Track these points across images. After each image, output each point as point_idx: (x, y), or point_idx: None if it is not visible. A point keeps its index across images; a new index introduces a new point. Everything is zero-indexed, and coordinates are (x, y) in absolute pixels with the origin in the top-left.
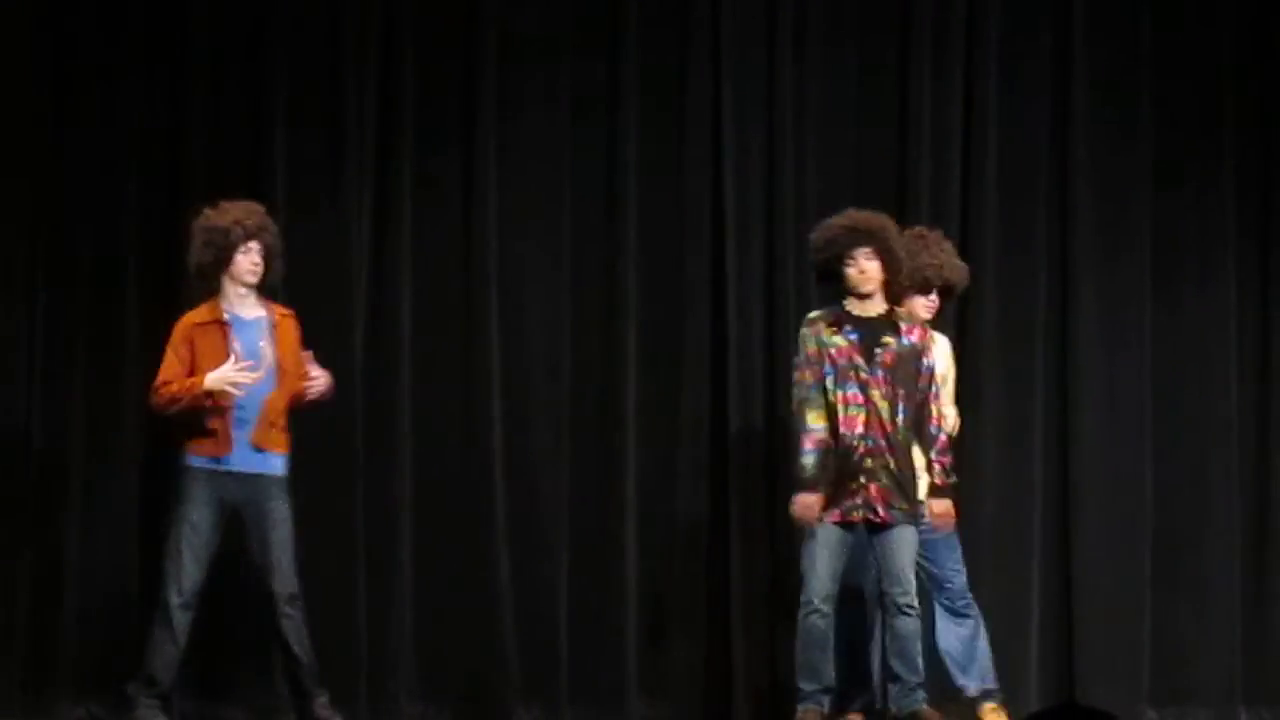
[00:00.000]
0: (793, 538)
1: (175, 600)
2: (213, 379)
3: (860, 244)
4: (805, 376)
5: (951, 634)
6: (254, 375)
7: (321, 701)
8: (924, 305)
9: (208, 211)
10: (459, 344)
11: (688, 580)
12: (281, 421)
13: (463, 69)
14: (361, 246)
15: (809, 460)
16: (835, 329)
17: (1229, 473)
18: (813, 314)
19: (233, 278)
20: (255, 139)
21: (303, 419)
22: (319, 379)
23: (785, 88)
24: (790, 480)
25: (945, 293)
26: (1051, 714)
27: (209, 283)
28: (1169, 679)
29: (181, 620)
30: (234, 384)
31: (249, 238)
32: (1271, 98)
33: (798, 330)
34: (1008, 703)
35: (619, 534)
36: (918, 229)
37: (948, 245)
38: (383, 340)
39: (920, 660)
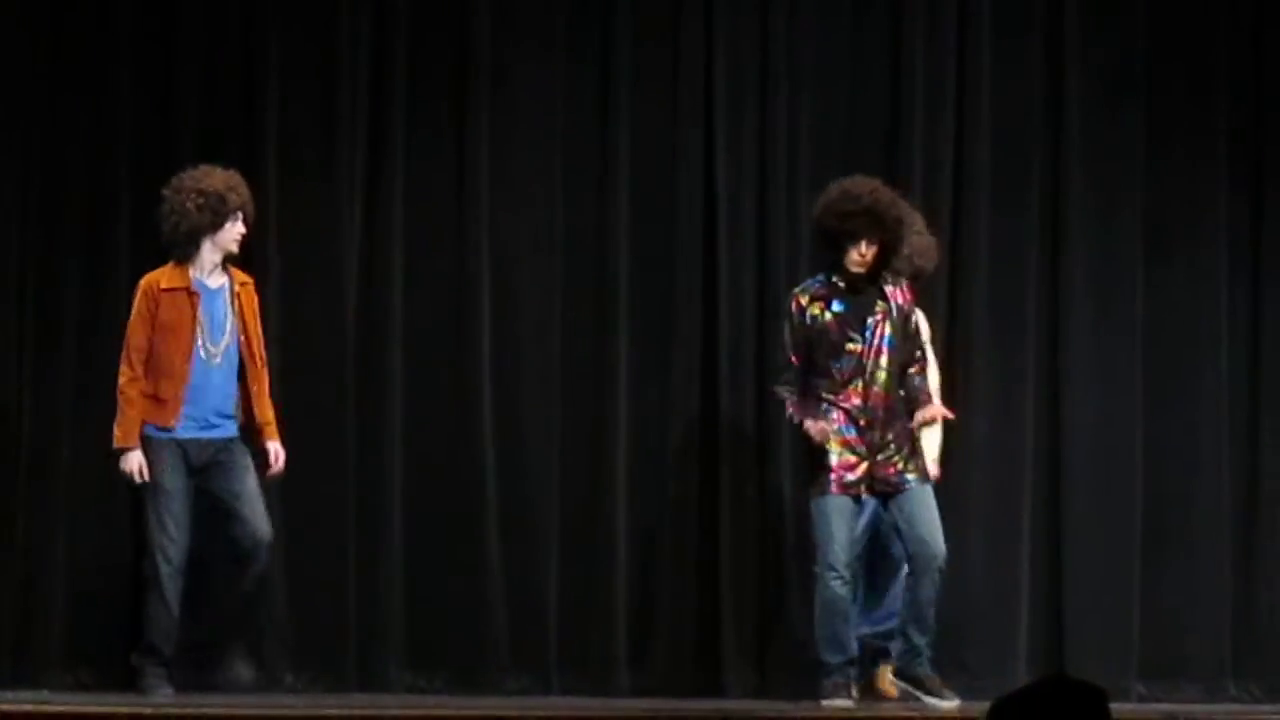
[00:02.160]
0: (783, 510)
1: (165, 569)
2: (124, 461)
3: (873, 235)
4: (790, 359)
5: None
6: (135, 480)
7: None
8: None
9: (192, 174)
10: (450, 317)
11: (677, 551)
12: (244, 389)
13: (455, 36)
14: (353, 216)
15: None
16: (822, 303)
17: (1219, 447)
18: (798, 288)
19: (217, 245)
20: (247, 112)
21: (294, 394)
22: (277, 461)
23: (778, 49)
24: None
25: (914, 276)
26: (1041, 687)
27: (192, 247)
28: (1159, 652)
29: (172, 588)
30: (126, 474)
31: (240, 207)
32: (1265, 66)
33: (789, 290)
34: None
35: (610, 504)
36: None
37: (918, 224)
38: (374, 313)
39: (933, 624)
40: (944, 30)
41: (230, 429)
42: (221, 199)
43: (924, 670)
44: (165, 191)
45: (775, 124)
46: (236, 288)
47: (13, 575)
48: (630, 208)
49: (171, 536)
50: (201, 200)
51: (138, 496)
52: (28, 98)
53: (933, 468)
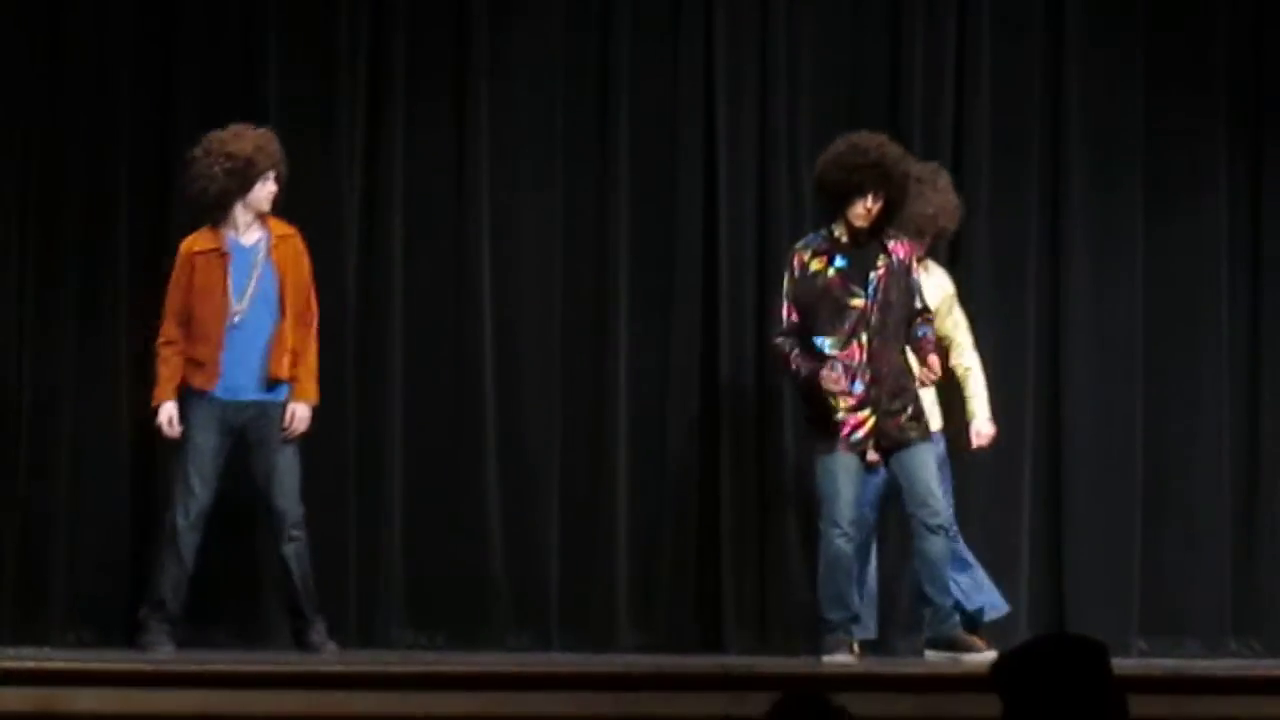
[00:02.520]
0: (783, 467)
1: (181, 522)
2: (159, 414)
3: (879, 190)
4: (789, 315)
5: None
6: (166, 434)
7: (318, 628)
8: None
9: (221, 136)
10: (450, 278)
11: (678, 508)
12: (285, 347)
13: (453, 23)
14: (352, 188)
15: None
16: (824, 259)
17: (1220, 406)
18: (799, 244)
19: (248, 206)
20: (247, 75)
21: None
22: (291, 422)
23: (779, 17)
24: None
25: (936, 235)
26: (1042, 643)
27: (222, 211)
28: (1159, 608)
29: (188, 542)
30: (159, 427)
31: (270, 166)
32: (1265, 25)
33: (789, 254)
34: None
35: (610, 462)
36: (915, 169)
37: (943, 183)
38: (374, 273)
39: (950, 583)
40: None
41: (269, 392)
42: (249, 161)
43: (955, 630)
44: (195, 153)
45: (775, 91)
46: (274, 240)
47: (14, 533)
48: (630, 169)
49: (193, 491)
50: (229, 164)
51: (144, 451)
52: (28, 68)
53: (986, 426)
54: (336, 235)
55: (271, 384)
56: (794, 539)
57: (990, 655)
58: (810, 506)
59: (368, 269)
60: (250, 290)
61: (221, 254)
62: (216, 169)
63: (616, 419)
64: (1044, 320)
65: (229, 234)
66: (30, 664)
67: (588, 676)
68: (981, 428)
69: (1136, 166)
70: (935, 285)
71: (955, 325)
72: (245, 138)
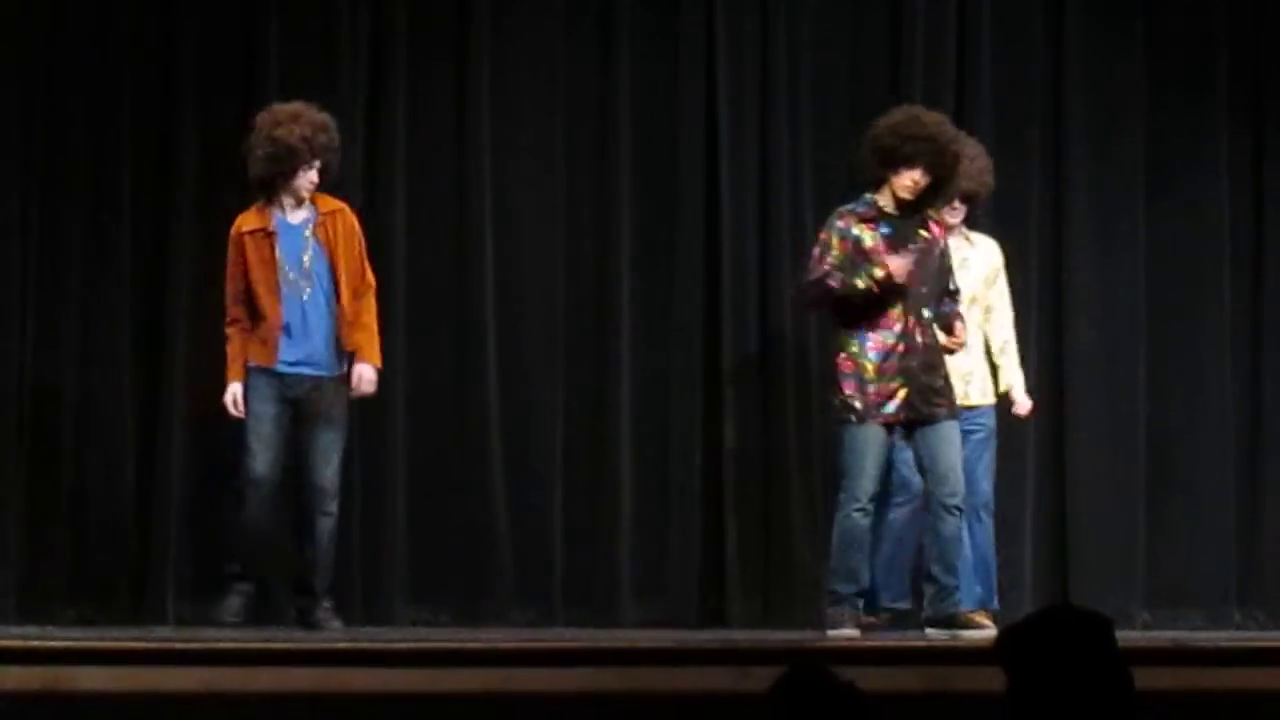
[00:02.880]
0: (787, 439)
1: (247, 489)
2: (229, 391)
3: (929, 164)
4: (820, 264)
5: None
6: (239, 413)
7: (324, 606)
8: (948, 212)
9: (274, 116)
10: (452, 253)
11: (681, 482)
12: (343, 321)
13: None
14: (354, 155)
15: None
16: (870, 225)
17: (1223, 377)
18: (844, 207)
19: (290, 191)
20: (248, 59)
21: None
22: (358, 383)
23: (780, 9)
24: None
25: (968, 201)
26: (1046, 617)
27: (263, 191)
28: (1163, 580)
29: (254, 503)
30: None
31: (314, 156)
32: (1264, 3)
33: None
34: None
35: (613, 437)
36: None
37: (975, 152)
38: (377, 251)
39: (959, 563)
40: None
41: (326, 367)
42: (291, 151)
43: (955, 608)
44: (254, 124)
45: (776, 66)
46: (321, 217)
47: (16, 511)
48: (632, 138)
49: (253, 453)
50: (272, 149)
51: (147, 427)
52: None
53: (1025, 398)
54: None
55: (329, 360)
56: (798, 513)
57: (991, 631)
58: (813, 481)
59: (371, 251)
60: (301, 268)
61: (268, 233)
62: (260, 152)
63: (619, 394)
64: (1046, 294)
65: (276, 213)
66: (34, 642)
67: (592, 652)
68: (1021, 398)
69: (1138, 140)
70: (983, 256)
71: (999, 295)
72: (297, 123)
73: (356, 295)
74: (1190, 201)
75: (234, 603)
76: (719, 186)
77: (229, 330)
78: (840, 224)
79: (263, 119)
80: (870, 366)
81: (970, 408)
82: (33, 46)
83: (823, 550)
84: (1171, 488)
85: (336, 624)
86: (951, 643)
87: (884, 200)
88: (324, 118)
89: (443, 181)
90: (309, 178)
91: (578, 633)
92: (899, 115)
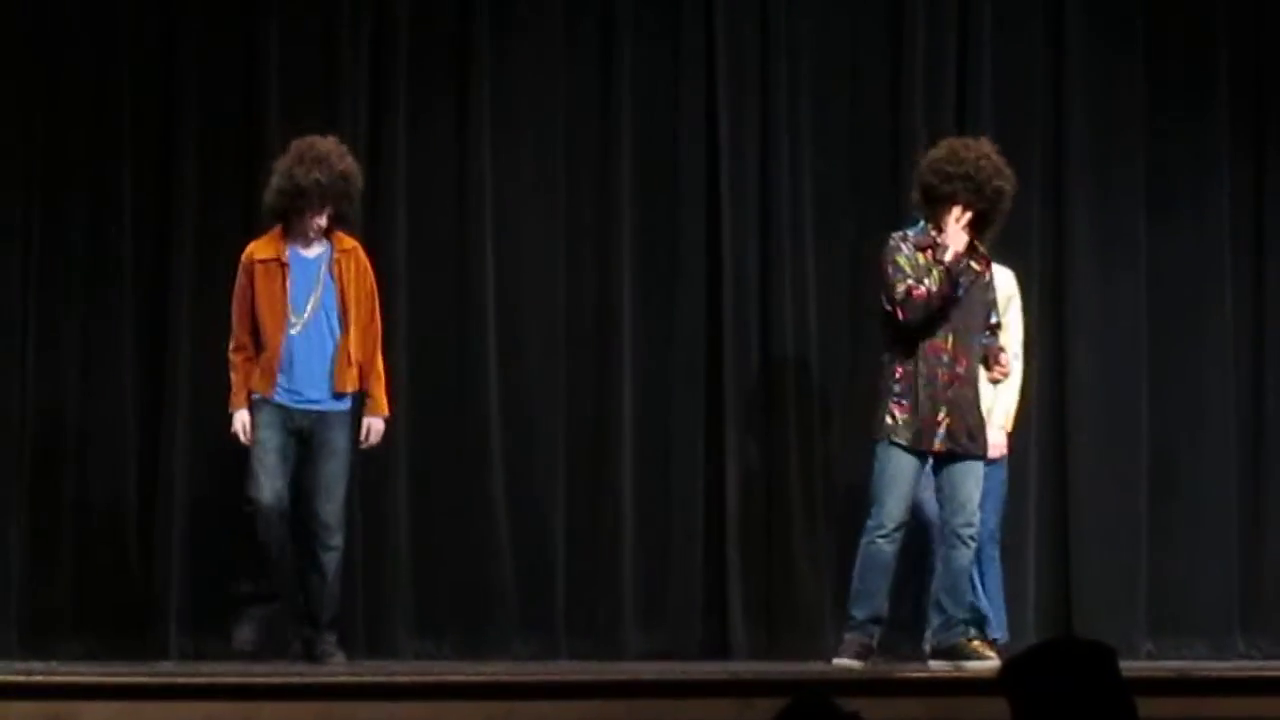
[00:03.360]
0: (789, 468)
1: (256, 514)
2: (233, 421)
3: (969, 201)
4: (906, 288)
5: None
6: (247, 440)
7: (328, 639)
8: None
9: (297, 153)
10: (453, 270)
11: (684, 512)
12: (350, 360)
13: (454, 23)
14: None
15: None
16: (927, 253)
17: (1225, 401)
18: (899, 233)
19: (298, 228)
20: (249, 58)
21: None
22: (367, 437)
23: (779, 12)
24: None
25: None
26: (1050, 647)
27: (275, 222)
28: (1166, 610)
29: (263, 526)
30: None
31: (325, 203)
32: (1266, 16)
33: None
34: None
35: (616, 466)
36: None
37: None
38: (378, 267)
39: (968, 596)
40: None
41: (327, 402)
42: (302, 192)
43: (959, 640)
44: (286, 148)
45: (776, 82)
46: (336, 254)
47: (20, 544)
48: (632, 148)
49: (259, 482)
50: (286, 186)
51: (149, 462)
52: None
53: (998, 434)
54: None
55: (334, 395)
56: (801, 543)
57: (995, 662)
58: (817, 509)
59: (370, 259)
60: (311, 302)
61: (282, 264)
62: (276, 182)
63: (621, 425)
64: (1047, 313)
65: (290, 245)
66: (38, 677)
67: (595, 684)
68: (993, 435)
69: (1139, 159)
70: (998, 285)
71: (1006, 326)
72: (318, 167)
73: (365, 336)
74: (1191, 221)
75: (246, 631)
76: (719, 194)
77: (234, 357)
78: (902, 245)
79: (293, 150)
80: (921, 393)
81: None
82: (34, 53)
83: (826, 579)
84: (1174, 516)
85: (339, 657)
86: (956, 673)
87: (935, 231)
88: (348, 166)
89: (444, 190)
90: (316, 222)
91: (580, 664)
92: (941, 150)
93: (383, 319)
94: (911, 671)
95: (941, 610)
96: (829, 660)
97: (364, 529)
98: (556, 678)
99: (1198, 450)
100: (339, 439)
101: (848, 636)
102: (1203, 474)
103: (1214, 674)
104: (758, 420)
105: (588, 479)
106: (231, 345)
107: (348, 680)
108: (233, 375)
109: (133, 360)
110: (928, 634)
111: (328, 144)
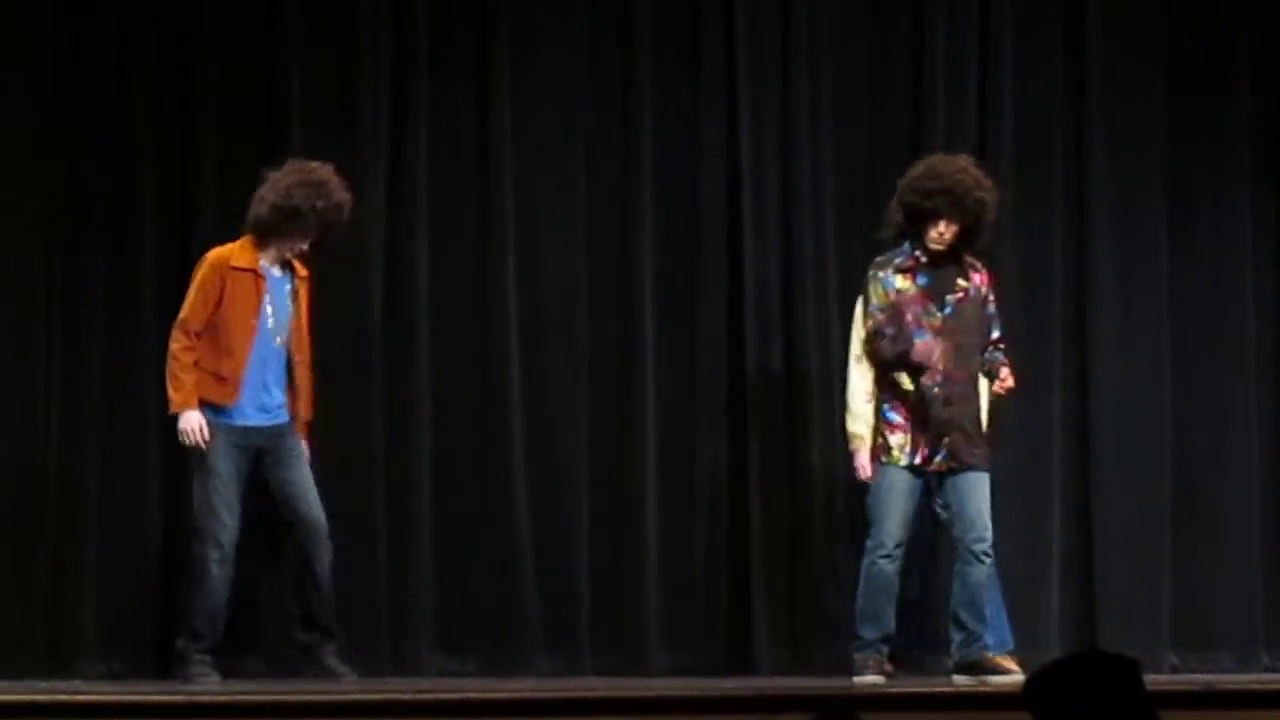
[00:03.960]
0: (813, 485)
1: (213, 555)
2: (185, 419)
3: (952, 216)
4: (878, 320)
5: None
6: (196, 441)
7: (333, 648)
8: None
9: (306, 175)
10: (474, 289)
11: (708, 531)
12: (295, 379)
13: (476, 23)
14: (378, 194)
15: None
16: (909, 275)
17: (1248, 416)
18: (882, 258)
19: (278, 248)
20: (269, 93)
21: (322, 371)
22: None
23: (800, 21)
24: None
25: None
26: (1074, 661)
27: (261, 238)
28: (1191, 623)
29: (220, 574)
30: (186, 434)
31: (316, 230)
32: None
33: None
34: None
35: (640, 483)
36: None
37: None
38: (398, 290)
39: (987, 610)
40: (967, 9)
41: (285, 415)
42: (299, 215)
43: (982, 654)
44: (267, 172)
45: (798, 103)
46: (296, 281)
47: (43, 564)
48: (654, 170)
49: (222, 521)
50: (284, 204)
51: (172, 482)
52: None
53: None
54: (361, 262)
55: (285, 408)
56: (824, 559)
57: (1019, 676)
58: (840, 526)
59: (392, 284)
60: (279, 319)
61: (258, 276)
62: (272, 198)
63: (645, 440)
64: (1070, 331)
65: (264, 260)
66: (61, 697)
67: (620, 701)
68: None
69: (1160, 184)
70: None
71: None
72: (318, 193)
73: (305, 362)
74: (1213, 239)
75: (200, 669)
76: (740, 210)
77: (183, 357)
78: (880, 275)
79: (290, 169)
80: (916, 415)
81: None
82: (54, 82)
83: (847, 594)
84: (1198, 530)
85: (345, 669)
86: (980, 688)
87: (920, 251)
88: (343, 198)
89: (466, 211)
90: (301, 246)
91: (605, 681)
92: (919, 169)
93: (403, 339)
94: (935, 686)
95: (962, 626)
96: (851, 677)
97: (388, 547)
98: (581, 695)
99: (1221, 466)
100: (299, 444)
101: (859, 655)
102: (1226, 489)
103: (1238, 687)
104: (780, 437)
105: (612, 496)
106: (184, 343)
107: (373, 698)
108: (182, 375)
109: (155, 380)
110: (951, 649)
111: (326, 170)
